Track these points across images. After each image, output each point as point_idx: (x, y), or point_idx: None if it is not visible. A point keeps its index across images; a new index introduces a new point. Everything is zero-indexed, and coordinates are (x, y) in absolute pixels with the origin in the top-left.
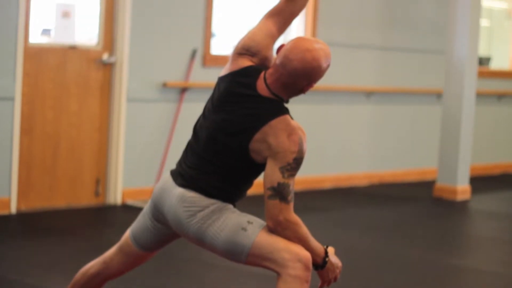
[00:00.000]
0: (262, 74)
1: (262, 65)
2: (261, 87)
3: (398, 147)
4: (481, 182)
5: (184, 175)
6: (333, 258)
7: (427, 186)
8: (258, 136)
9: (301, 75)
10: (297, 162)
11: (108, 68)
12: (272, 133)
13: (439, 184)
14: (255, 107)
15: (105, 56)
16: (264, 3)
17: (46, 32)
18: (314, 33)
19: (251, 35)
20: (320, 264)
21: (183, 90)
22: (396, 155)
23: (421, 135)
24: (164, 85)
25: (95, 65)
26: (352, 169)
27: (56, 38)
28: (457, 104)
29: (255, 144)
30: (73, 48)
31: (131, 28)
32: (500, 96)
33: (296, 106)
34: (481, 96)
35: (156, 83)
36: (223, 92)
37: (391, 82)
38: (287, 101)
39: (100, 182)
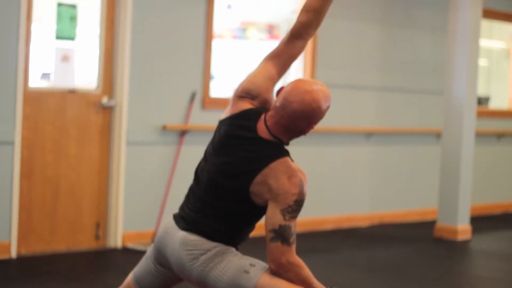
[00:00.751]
0: (262, 117)
1: (263, 107)
2: (262, 129)
3: (398, 187)
4: (482, 222)
5: (186, 218)
6: None
7: (427, 226)
8: (258, 178)
9: (301, 117)
10: (298, 204)
11: (108, 111)
12: (273, 175)
13: (439, 224)
14: (256, 149)
15: (104, 100)
16: (262, 46)
17: (45, 76)
18: (313, 75)
19: (251, 78)
20: None
21: (183, 133)
22: (397, 196)
23: (421, 175)
24: (164, 128)
25: (94, 109)
26: (352, 210)
27: (56, 82)
28: (457, 144)
29: (256, 186)
30: (72, 92)
31: (130, 72)
32: (500, 136)
33: (296, 148)
34: (480, 135)
35: (156, 126)
36: (224, 135)
37: (390, 123)
38: (287, 143)
39: (100, 225)
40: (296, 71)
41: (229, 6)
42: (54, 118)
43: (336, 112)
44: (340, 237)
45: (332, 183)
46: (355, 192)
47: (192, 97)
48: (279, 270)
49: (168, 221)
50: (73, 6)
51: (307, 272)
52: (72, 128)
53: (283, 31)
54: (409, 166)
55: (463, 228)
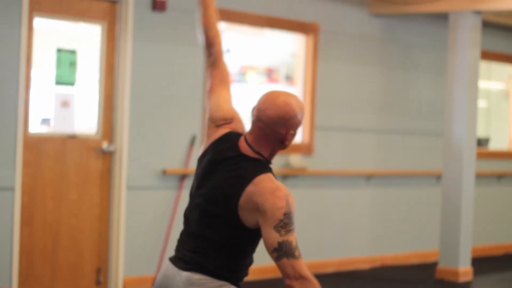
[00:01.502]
0: (242, 137)
1: (240, 130)
2: (243, 147)
3: (399, 229)
4: (483, 263)
5: (185, 259)
6: None
7: (429, 268)
8: (244, 197)
9: (277, 122)
10: (288, 217)
11: (108, 156)
12: (257, 191)
13: (441, 266)
14: (239, 167)
15: (104, 145)
16: (262, 89)
17: (45, 121)
18: (312, 117)
19: (216, 107)
20: None
21: (183, 177)
22: (397, 238)
23: (422, 217)
24: (164, 172)
25: (94, 154)
26: (354, 253)
27: (56, 127)
28: (457, 186)
29: (242, 205)
30: (72, 137)
31: (130, 117)
32: (500, 177)
33: (297, 191)
34: (480, 177)
35: (156, 171)
36: (207, 164)
37: (390, 165)
38: (270, 160)
39: (101, 270)
40: None
41: (228, 51)
42: (54, 163)
43: (336, 155)
44: (342, 280)
45: (333, 226)
46: (356, 235)
47: (192, 140)
48: (295, 285)
49: (166, 265)
50: (73, 52)
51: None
52: (72, 173)
53: (282, 75)
54: (409, 208)
55: (464, 269)
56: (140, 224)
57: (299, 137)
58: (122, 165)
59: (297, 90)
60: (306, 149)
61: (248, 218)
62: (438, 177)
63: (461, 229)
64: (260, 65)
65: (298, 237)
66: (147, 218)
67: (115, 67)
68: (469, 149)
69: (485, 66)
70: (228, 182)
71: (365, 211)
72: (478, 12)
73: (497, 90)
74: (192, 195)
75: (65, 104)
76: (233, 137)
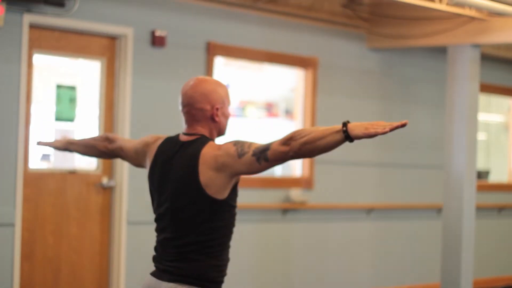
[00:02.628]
0: (179, 134)
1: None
2: (183, 138)
3: (400, 263)
4: None
5: (169, 269)
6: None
7: None
8: (201, 173)
9: (198, 100)
10: (237, 141)
11: (108, 191)
12: (207, 159)
13: None
14: (185, 152)
15: (104, 180)
16: (261, 124)
17: (45, 157)
18: None
19: (138, 142)
20: (345, 135)
21: None
22: (399, 271)
23: (423, 250)
24: None
25: (94, 189)
26: (355, 286)
27: (56, 163)
28: (457, 219)
29: (203, 175)
30: (72, 173)
31: None
32: (500, 209)
33: (297, 225)
34: (481, 209)
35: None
36: (161, 168)
37: (390, 198)
38: (212, 138)
39: None
40: None
41: (227, 85)
42: (54, 199)
43: (336, 189)
44: None
45: (334, 260)
46: (357, 268)
47: None
48: (289, 142)
49: (148, 281)
50: (72, 88)
51: (308, 129)
52: (73, 208)
53: (282, 109)
54: (410, 241)
55: None
56: (141, 259)
57: (299, 171)
58: (122, 200)
59: (297, 124)
60: (306, 183)
61: (217, 188)
62: (439, 210)
63: (462, 261)
64: (259, 99)
65: (299, 270)
66: (148, 253)
67: (115, 102)
68: (469, 182)
69: (484, 98)
70: (183, 170)
71: (366, 245)
72: (476, 46)
73: (497, 123)
74: (157, 206)
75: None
76: (172, 137)
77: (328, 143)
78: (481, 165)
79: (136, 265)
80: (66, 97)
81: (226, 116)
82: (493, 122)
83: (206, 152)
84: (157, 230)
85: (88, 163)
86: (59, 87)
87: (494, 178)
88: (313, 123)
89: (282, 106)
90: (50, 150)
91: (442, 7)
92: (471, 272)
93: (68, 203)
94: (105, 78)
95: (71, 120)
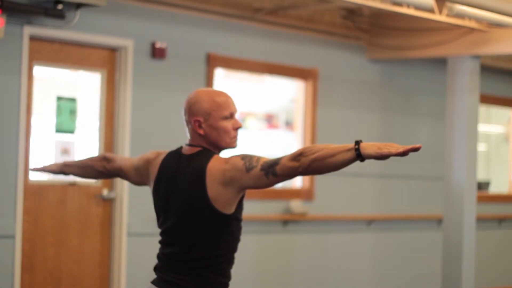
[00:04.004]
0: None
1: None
2: (186, 150)
3: (400, 274)
4: None
5: (178, 283)
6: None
7: None
8: (208, 183)
9: (185, 111)
10: (245, 155)
11: (108, 203)
12: (214, 172)
13: None
14: (191, 166)
15: (105, 192)
16: (262, 135)
17: None
18: None
19: (138, 159)
20: (356, 154)
21: None
22: (399, 282)
23: (423, 262)
24: None
25: (95, 201)
26: None
27: (56, 175)
28: (458, 230)
29: (210, 190)
30: (73, 185)
31: None
32: (501, 220)
33: (297, 236)
34: (481, 220)
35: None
36: (166, 184)
37: (391, 210)
38: (214, 151)
39: None
40: None
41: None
42: (54, 211)
43: (336, 200)
44: None
45: (334, 271)
46: (358, 279)
47: None
48: (299, 158)
49: None
50: (73, 100)
51: (319, 145)
52: (73, 220)
53: (282, 120)
54: (410, 253)
55: None
56: (141, 270)
57: (300, 182)
58: (123, 212)
59: (297, 135)
60: (307, 195)
61: (224, 203)
62: (439, 221)
63: (462, 273)
64: (259, 111)
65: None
66: (148, 265)
67: (115, 114)
68: (470, 193)
69: (484, 109)
70: (190, 184)
71: (367, 256)
72: (476, 57)
73: (497, 134)
74: (162, 226)
75: (65, 151)
76: (174, 151)
77: (339, 161)
78: (481, 176)
79: (136, 276)
80: (66, 109)
81: (217, 128)
82: (493, 133)
83: (213, 166)
84: (162, 243)
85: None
86: (59, 99)
87: (495, 189)
88: (313, 134)
89: (282, 117)
90: (45, 175)
91: (442, 18)
92: (472, 283)
93: (69, 215)
94: (105, 90)
95: (72, 132)
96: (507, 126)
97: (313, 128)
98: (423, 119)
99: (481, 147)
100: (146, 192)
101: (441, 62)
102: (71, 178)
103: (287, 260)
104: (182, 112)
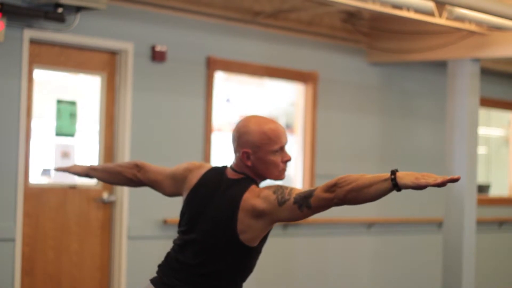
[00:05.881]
0: (228, 166)
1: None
2: (230, 173)
3: (401, 277)
4: None
5: None
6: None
7: None
8: (240, 214)
9: (233, 139)
10: (278, 188)
11: (108, 206)
12: (248, 204)
13: None
14: (229, 191)
15: (105, 195)
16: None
17: (46, 172)
18: (312, 167)
19: (177, 167)
20: (393, 184)
21: None
22: (399, 285)
23: (423, 265)
24: (165, 222)
25: (95, 204)
26: None
27: (56, 178)
28: (458, 233)
29: (241, 222)
30: (73, 188)
31: None
32: (501, 223)
33: (298, 239)
34: (481, 223)
35: (157, 221)
36: (200, 199)
37: (391, 213)
38: (256, 180)
39: None
40: (296, 163)
41: (228, 100)
42: (55, 214)
43: None
44: None
45: (334, 274)
46: (358, 282)
47: None
48: (337, 191)
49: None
50: (73, 103)
51: (353, 176)
52: (73, 224)
53: (282, 124)
54: (411, 255)
55: None
56: (142, 274)
57: (300, 185)
58: (123, 215)
59: (297, 138)
60: None
61: (250, 235)
62: (439, 224)
63: (463, 276)
64: (259, 114)
65: (300, 284)
66: (148, 268)
67: (115, 117)
68: (470, 196)
69: (484, 112)
70: (221, 211)
71: (367, 259)
72: (476, 60)
73: (497, 137)
74: (184, 231)
75: (65, 155)
76: (218, 169)
77: (375, 191)
78: (481, 179)
79: (136, 280)
80: (66, 112)
81: (265, 162)
82: (493, 136)
83: (247, 198)
84: (177, 246)
85: (88, 179)
86: (59, 102)
87: (495, 192)
88: (313, 137)
89: (282, 120)
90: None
91: (442, 21)
92: (472, 286)
93: (69, 218)
94: (106, 93)
95: (72, 135)
96: (507, 129)
97: (313, 131)
98: (423, 122)
99: (481, 150)
100: (146, 196)
101: (441, 65)
102: (71, 181)
103: (287, 263)
104: (231, 137)
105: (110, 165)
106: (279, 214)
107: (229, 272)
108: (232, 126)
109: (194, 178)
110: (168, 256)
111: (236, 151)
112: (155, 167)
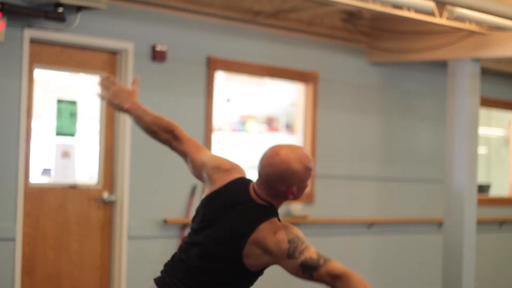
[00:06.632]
0: (252, 183)
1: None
2: (253, 194)
3: (401, 277)
4: None
5: None
6: None
7: None
8: (248, 245)
9: (275, 181)
10: (294, 240)
11: (109, 206)
12: (260, 237)
13: None
14: (248, 213)
15: (105, 195)
16: (262, 138)
17: (46, 172)
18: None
19: (212, 159)
20: None
21: (184, 226)
22: (399, 285)
23: (424, 264)
24: (165, 222)
25: (95, 204)
26: None
27: (56, 178)
28: (458, 233)
29: (247, 253)
30: (73, 188)
31: (131, 167)
32: (501, 223)
33: None
34: (481, 223)
35: (157, 220)
36: (218, 206)
37: (391, 212)
38: (277, 206)
39: None
40: None
41: (228, 100)
42: (55, 214)
43: (337, 203)
44: None
45: None
46: None
47: (193, 190)
48: (338, 286)
49: (150, 286)
50: (73, 103)
51: (356, 279)
52: (73, 223)
53: (282, 123)
54: (411, 255)
55: None
56: (142, 273)
57: None
58: (123, 215)
59: (297, 138)
60: (307, 198)
61: (251, 260)
62: (439, 224)
63: (463, 275)
64: (260, 114)
65: (299, 284)
66: (149, 268)
67: (115, 117)
68: (470, 196)
69: (484, 112)
70: (235, 228)
71: (367, 259)
72: (477, 60)
73: (497, 137)
74: (194, 230)
75: (65, 154)
76: (244, 182)
77: None
78: (481, 179)
79: (136, 280)
80: (66, 111)
81: (303, 189)
82: (493, 136)
83: (263, 229)
84: (185, 244)
85: (88, 178)
86: (59, 101)
87: (495, 192)
88: (313, 137)
89: (282, 120)
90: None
91: (442, 21)
92: (472, 285)
93: (69, 218)
94: None
95: (72, 134)
96: (508, 129)
97: (314, 131)
98: (424, 122)
99: (482, 150)
100: (146, 195)
101: (441, 65)
102: (71, 181)
103: None
104: (261, 170)
105: (148, 119)
106: (284, 264)
107: (227, 285)
108: (233, 126)
109: (219, 181)
110: (174, 256)
111: (273, 188)
112: (190, 142)
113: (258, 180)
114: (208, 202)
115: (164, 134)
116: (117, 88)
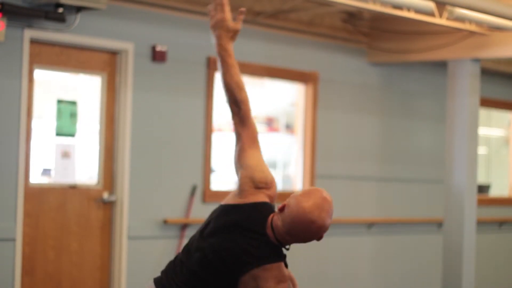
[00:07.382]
0: (271, 216)
1: (274, 196)
2: (269, 230)
3: (400, 277)
4: None
5: None
6: None
7: None
8: (251, 273)
9: (306, 237)
10: None
11: (109, 206)
12: (263, 276)
13: None
14: (257, 246)
15: (105, 195)
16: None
17: (46, 172)
18: (312, 167)
19: (256, 167)
20: None
21: (184, 226)
22: (399, 285)
23: (423, 265)
24: (165, 222)
25: (95, 204)
26: None
27: (56, 178)
28: (458, 233)
29: (246, 278)
30: (73, 188)
31: (131, 167)
32: (501, 223)
33: None
34: (481, 223)
35: (157, 221)
36: (231, 223)
37: (391, 213)
38: (287, 248)
39: None
40: (296, 163)
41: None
42: (55, 214)
43: (337, 203)
44: None
45: (334, 274)
46: (358, 282)
47: (193, 190)
48: None
49: (150, 286)
50: (73, 103)
51: None
52: (73, 223)
53: (282, 124)
54: (411, 256)
55: None
56: (142, 273)
57: (300, 185)
58: (123, 215)
59: (297, 138)
60: None
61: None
62: (439, 224)
63: (463, 276)
64: (260, 114)
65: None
66: (149, 268)
67: (115, 117)
68: (470, 196)
69: (484, 113)
70: (242, 253)
71: (367, 259)
72: (477, 60)
73: (497, 137)
74: (202, 234)
75: (65, 154)
76: (266, 210)
77: None
78: (481, 179)
79: (136, 280)
80: (66, 112)
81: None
82: (493, 136)
83: (266, 269)
84: (188, 246)
85: (88, 178)
86: (59, 102)
87: (495, 192)
88: (313, 137)
89: (282, 120)
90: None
91: (442, 21)
92: (472, 286)
93: (69, 218)
94: (106, 93)
95: (72, 135)
96: (508, 130)
97: (313, 131)
98: (424, 122)
99: (482, 150)
100: (146, 195)
101: (441, 66)
102: (71, 181)
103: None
104: (295, 231)
105: (232, 81)
106: None
107: None
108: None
109: (245, 196)
110: (176, 257)
111: (301, 239)
112: (249, 131)
113: (283, 225)
114: (226, 212)
115: (232, 105)
116: (223, 17)
